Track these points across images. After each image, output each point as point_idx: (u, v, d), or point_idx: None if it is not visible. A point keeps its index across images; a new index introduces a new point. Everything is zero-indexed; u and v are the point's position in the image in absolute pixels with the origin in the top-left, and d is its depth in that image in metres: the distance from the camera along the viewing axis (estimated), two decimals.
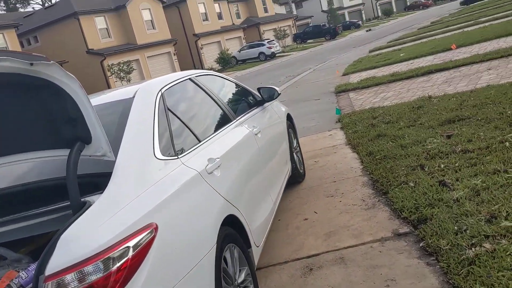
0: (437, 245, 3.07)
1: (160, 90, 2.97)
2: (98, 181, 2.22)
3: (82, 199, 2.03)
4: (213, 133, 3.21)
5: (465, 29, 17.95)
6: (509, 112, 5.30)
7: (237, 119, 3.76)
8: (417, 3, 75.37)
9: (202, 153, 2.83)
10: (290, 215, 4.47)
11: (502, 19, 17.79)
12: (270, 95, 4.68)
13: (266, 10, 53.14)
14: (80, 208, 1.94)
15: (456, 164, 4.28)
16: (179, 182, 2.39)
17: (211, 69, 38.43)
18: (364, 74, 13.02)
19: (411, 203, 3.82)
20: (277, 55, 39.36)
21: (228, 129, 3.46)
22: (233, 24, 47.24)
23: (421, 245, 3.24)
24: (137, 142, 2.42)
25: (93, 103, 2.19)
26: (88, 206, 1.93)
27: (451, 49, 12.94)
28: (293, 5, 65.94)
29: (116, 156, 2.23)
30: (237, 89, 4.49)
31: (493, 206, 3.33)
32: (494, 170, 3.88)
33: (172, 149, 2.61)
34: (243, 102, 4.42)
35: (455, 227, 3.19)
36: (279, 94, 4.68)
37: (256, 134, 3.82)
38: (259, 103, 4.63)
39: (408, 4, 78.09)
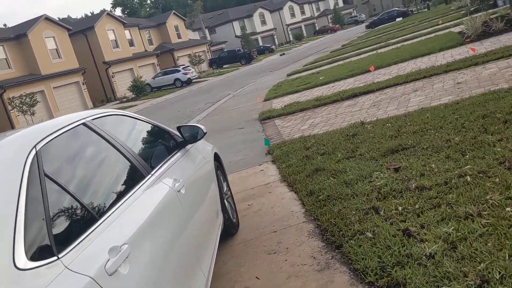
0: None
1: (34, 146, 2.01)
2: None
3: None
4: (118, 203, 2.27)
5: (379, 51, 18.33)
6: (456, 139, 4.85)
7: (152, 173, 2.85)
8: (325, 27, 78.62)
9: (100, 240, 1.89)
10: (225, 283, 3.60)
11: (412, 40, 18.40)
12: (193, 135, 3.82)
13: (179, 36, 52.38)
14: None
15: (416, 206, 3.67)
16: None
17: (124, 97, 36.77)
18: (287, 99, 12.56)
19: (375, 261, 3.11)
20: (193, 81, 38.55)
21: (141, 191, 2.54)
22: (146, 50, 45.89)
23: None
24: None
25: None
26: None
27: (369, 70, 12.89)
28: (206, 31, 65.79)
29: None
30: (151, 130, 3.57)
31: (479, 265, 2.69)
32: (465, 213, 3.29)
33: (49, 246, 1.66)
34: (160, 147, 3.52)
35: None
36: (204, 134, 3.83)
37: (179, 191, 2.93)
38: (181, 145, 3.76)
39: (317, 28, 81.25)
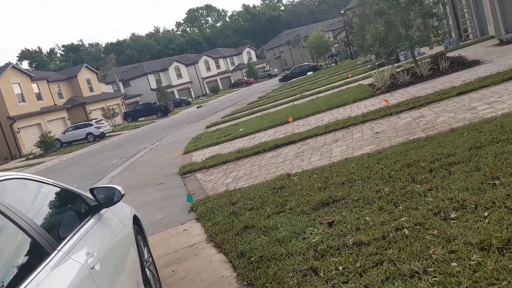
0: None
1: None
2: None
3: None
4: None
5: (295, 103, 18.79)
6: (386, 189, 4.77)
7: (59, 248, 2.35)
8: (240, 80, 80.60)
9: None
10: None
11: (325, 92, 19.12)
12: (108, 197, 3.35)
13: (91, 89, 50.77)
14: None
15: (357, 265, 3.43)
16: None
17: (31, 154, 34.39)
18: (208, 152, 12.25)
19: None
20: (107, 135, 37.11)
21: (44, 274, 2.03)
22: (55, 104, 43.76)
23: None
24: None
25: None
26: None
27: (288, 122, 13.02)
28: (120, 84, 64.59)
29: None
30: (59, 195, 3.05)
31: None
32: (410, 271, 3.09)
33: None
34: (70, 214, 3.00)
35: None
36: (122, 196, 3.36)
37: (92, 268, 2.44)
38: (94, 210, 3.26)
39: (233, 82, 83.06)
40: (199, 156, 11.85)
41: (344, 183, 5.48)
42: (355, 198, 4.83)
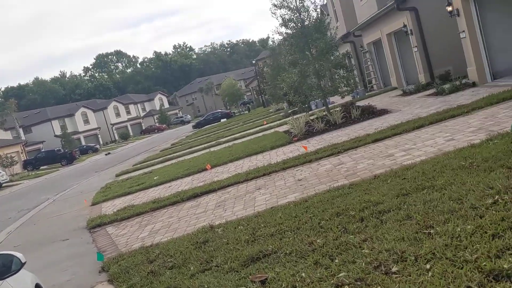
0: None
1: None
2: None
3: None
4: None
5: (212, 149, 18.47)
6: (318, 241, 4.52)
7: None
8: (152, 127, 79.15)
9: None
10: None
11: (242, 139, 19.05)
12: (5, 265, 2.73)
13: None
14: None
15: None
16: None
17: None
18: (119, 202, 11.42)
19: None
20: (4, 185, 34.02)
21: None
22: None
23: None
24: None
25: None
26: None
27: (206, 169, 12.63)
28: (20, 130, 60.44)
29: None
30: None
31: None
32: None
33: None
34: None
35: None
36: (22, 264, 2.75)
37: None
38: None
39: (144, 128, 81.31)
40: (109, 208, 10.99)
41: (274, 235, 5.16)
42: (288, 252, 4.51)
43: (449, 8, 13.88)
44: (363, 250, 4.00)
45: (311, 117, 15.92)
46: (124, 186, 14.17)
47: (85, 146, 61.09)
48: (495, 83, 12.62)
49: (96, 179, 21.00)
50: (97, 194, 14.13)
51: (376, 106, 14.50)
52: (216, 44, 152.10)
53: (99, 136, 74.28)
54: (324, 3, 31.83)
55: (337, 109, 15.05)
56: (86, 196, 14.62)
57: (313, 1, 15.78)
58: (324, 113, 16.18)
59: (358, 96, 22.23)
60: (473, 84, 13.39)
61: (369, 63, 25.03)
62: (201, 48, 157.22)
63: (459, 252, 3.42)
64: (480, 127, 7.66)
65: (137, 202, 10.62)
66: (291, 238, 4.87)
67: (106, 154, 45.65)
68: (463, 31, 13.39)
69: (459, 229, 3.77)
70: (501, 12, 13.20)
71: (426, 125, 9.30)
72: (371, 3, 21.49)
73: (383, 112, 13.44)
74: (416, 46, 17.59)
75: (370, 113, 13.65)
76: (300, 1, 14.66)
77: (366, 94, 23.20)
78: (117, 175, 19.28)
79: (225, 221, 6.55)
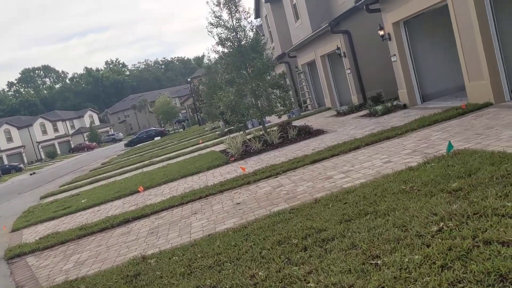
0: None
1: None
2: None
3: None
4: None
5: (144, 169, 17.75)
6: (260, 273, 4.22)
7: None
8: (81, 145, 76.01)
9: None
10: None
11: (177, 159, 18.48)
12: None
13: None
14: None
15: None
16: None
17: None
18: (42, 228, 10.54)
19: None
20: None
21: None
22: None
23: None
24: None
25: None
26: None
27: (139, 191, 12.02)
28: None
29: None
30: None
31: None
32: None
33: None
34: None
35: None
36: None
37: None
38: None
39: (73, 146, 77.93)
40: (31, 235, 10.10)
41: (212, 267, 4.80)
42: (227, 287, 4.18)
43: (381, 32, 14.34)
44: (309, 284, 3.75)
45: (248, 136, 15.74)
46: (48, 210, 13.18)
47: (7, 166, 57.50)
48: (424, 105, 13.09)
49: (18, 202, 19.55)
50: (18, 219, 13.04)
51: (312, 126, 14.58)
52: (150, 61, 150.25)
53: (24, 154, 70.20)
54: (260, 24, 32.21)
55: (274, 128, 15.00)
56: (5, 221, 13.46)
57: (249, 21, 15.60)
58: (261, 133, 16.07)
59: (294, 116, 22.44)
60: (404, 106, 13.83)
61: (303, 83, 25.43)
62: (134, 64, 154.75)
63: (409, 286, 3.25)
64: (415, 149, 7.77)
65: (62, 228, 9.83)
66: (230, 271, 4.54)
67: (31, 174, 43.03)
68: (394, 54, 13.86)
69: (407, 260, 3.61)
70: (430, 39, 13.80)
71: (362, 146, 9.36)
72: (305, 26, 21.90)
73: (319, 132, 13.52)
74: (349, 68, 18.03)
75: (307, 133, 13.68)
76: (237, 21, 14.58)
77: (302, 114, 23.47)
78: (42, 198, 18.03)
79: (159, 250, 6.10)
